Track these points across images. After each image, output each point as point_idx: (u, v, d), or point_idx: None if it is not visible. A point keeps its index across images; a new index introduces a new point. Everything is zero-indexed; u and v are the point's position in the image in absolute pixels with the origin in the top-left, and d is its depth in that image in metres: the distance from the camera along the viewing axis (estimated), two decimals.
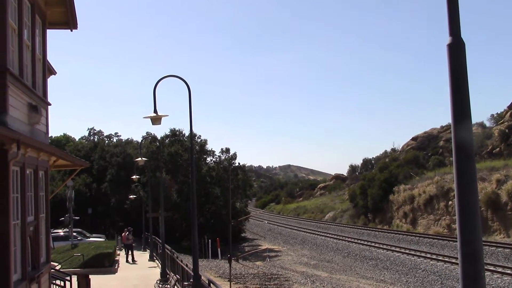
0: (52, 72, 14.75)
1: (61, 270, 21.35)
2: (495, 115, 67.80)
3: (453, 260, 28.89)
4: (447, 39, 4.22)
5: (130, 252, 33.67)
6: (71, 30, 13.55)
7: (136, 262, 32.77)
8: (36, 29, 11.73)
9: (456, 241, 3.81)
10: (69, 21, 13.25)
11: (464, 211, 3.99)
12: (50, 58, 13.77)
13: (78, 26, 13.54)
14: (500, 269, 25.65)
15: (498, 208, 37.95)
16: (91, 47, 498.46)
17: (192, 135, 15.55)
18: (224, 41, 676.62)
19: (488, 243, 32.68)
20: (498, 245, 32.81)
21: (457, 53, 4.14)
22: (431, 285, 25.29)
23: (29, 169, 10.64)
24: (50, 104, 13.04)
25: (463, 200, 4.00)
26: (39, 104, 11.23)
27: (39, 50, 12.07)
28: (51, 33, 13.54)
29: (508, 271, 25.03)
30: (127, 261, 33.01)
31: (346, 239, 46.01)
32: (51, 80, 15.23)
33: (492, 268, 25.68)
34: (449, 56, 4.16)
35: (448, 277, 26.13)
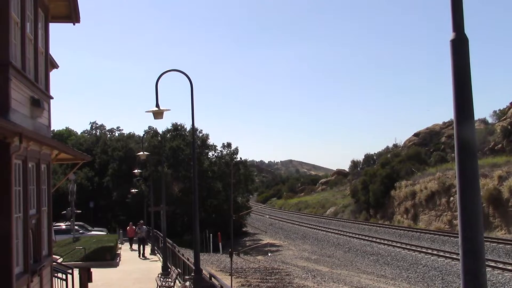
0: (54, 65, 14.75)
1: (63, 263, 21.42)
2: (497, 112, 67.54)
3: (454, 256, 28.92)
4: (450, 34, 4.21)
5: (142, 247, 32.49)
6: (74, 24, 13.53)
7: (145, 257, 31.80)
8: (39, 22, 11.71)
9: (457, 237, 3.83)
10: (71, 15, 13.23)
11: (465, 208, 3.98)
12: (53, 51, 13.78)
13: (80, 19, 13.53)
14: (501, 265, 25.66)
15: (499, 204, 37.94)
16: (94, 41, 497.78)
17: (194, 129, 15.57)
18: (227, 35, 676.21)
19: (489, 239, 32.68)
20: (499, 241, 32.82)
21: (460, 48, 4.12)
22: (431, 281, 25.33)
23: (31, 162, 10.66)
24: (52, 98, 13.04)
25: (465, 196, 4.00)
26: (41, 98, 11.23)
27: (41, 43, 12.06)
28: (53, 27, 13.54)
29: (509, 267, 25.03)
30: (139, 256, 32.02)
31: (347, 234, 46.06)
32: (53, 74, 15.23)
33: (493, 264, 25.69)
34: (452, 52, 4.15)
35: (449, 273, 26.16)
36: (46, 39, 12.59)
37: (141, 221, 35.56)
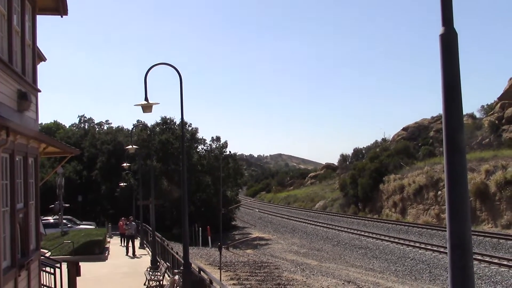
0: (42, 58, 14.59)
1: (51, 257, 21.31)
2: (485, 106, 68.15)
3: (442, 249, 29.19)
4: (440, 29, 4.21)
5: (131, 244, 30.04)
6: (62, 16, 13.38)
7: (134, 255, 29.56)
8: (26, 14, 11.57)
9: (445, 231, 3.84)
10: (59, 7, 13.08)
11: (453, 202, 4.01)
12: (40, 44, 13.63)
13: (68, 12, 13.38)
14: (487, 259, 25.95)
15: (486, 198, 38.32)
16: (82, 34, 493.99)
17: (183, 123, 15.49)
18: (217, 28, 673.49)
19: (476, 233, 33.01)
20: (486, 234, 33.18)
21: (449, 43, 4.13)
22: (419, 274, 25.55)
23: (18, 156, 10.55)
24: (40, 91, 12.91)
25: (453, 191, 4.02)
26: (28, 91, 11.11)
27: (28, 36, 11.93)
28: (41, 19, 13.38)
29: (496, 261, 25.34)
30: (127, 254, 29.75)
31: (336, 228, 46.27)
32: (41, 67, 15.07)
33: (479, 257, 25.97)
34: (441, 46, 4.15)
35: (436, 266, 26.41)
36: (34, 32, 12.45)
37: (130, 217, 34.31)
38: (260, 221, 60.48)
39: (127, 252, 30.15)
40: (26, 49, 11.60)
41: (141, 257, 29.47)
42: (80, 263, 16.99)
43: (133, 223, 32.64)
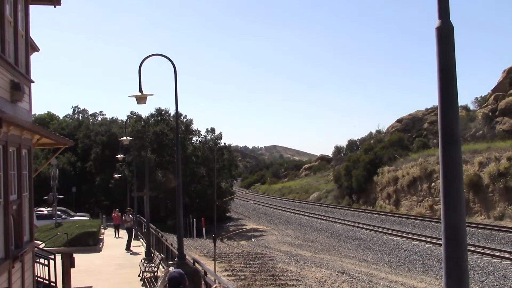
0: (35, 49, 14.47)
1: (45, 248, 21.28)
2: (479, 98, 68.30)
3: (435, 241, 29.37)
4: (436, 22, 4.20)
5: (128, 238, 28.63)
6: (55, 6, 13.25)
7: (131, 251, 27.72)
8: (19, 4, 11.45)
9: (438, 222, 3.85)
10: None
11: (449, 194, 4.01)
12: (33, 34, 13.51)
13: (61, 2, 13.26)
14: (480, 250, 26.15)
15: (479, 190, 38.53)
16: (76, 24, 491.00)
17: (177, 114, 15.43)
18: (212, 19, 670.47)
19: (469, 224, 33.22)
20: (479, 226, 33.40)
21: (445, 36, 4.12)
22: (412, 265, 25.70)
23: (12, 147, 10.49)
24: (33, 82, 12.82)
25: (448, 183, 4.02)
26: (21, 82, 11.03)
27: (21, 26, 11.81)
28: (34, 9, 13.26)
29: (488, 252, 25.54)
30: (126, 248, 27.89)
31: (330, 219, 46.43)
32: (34, 57, 14.94)
33: (472, 248, 26.15)
34: (437, 39, 4.14)
35: (429, 257, 26.57)
36: (26, 22, 12.33)
37: (129, 209, 33.52)
38: (254, 213, 60.60)
39: (127, 246, 28.35)
40: (19, 39, 11.50)
41: (135, 250, 28.73)
42: (74, 255, 16.94)
43: (130, 215, 30.69)
